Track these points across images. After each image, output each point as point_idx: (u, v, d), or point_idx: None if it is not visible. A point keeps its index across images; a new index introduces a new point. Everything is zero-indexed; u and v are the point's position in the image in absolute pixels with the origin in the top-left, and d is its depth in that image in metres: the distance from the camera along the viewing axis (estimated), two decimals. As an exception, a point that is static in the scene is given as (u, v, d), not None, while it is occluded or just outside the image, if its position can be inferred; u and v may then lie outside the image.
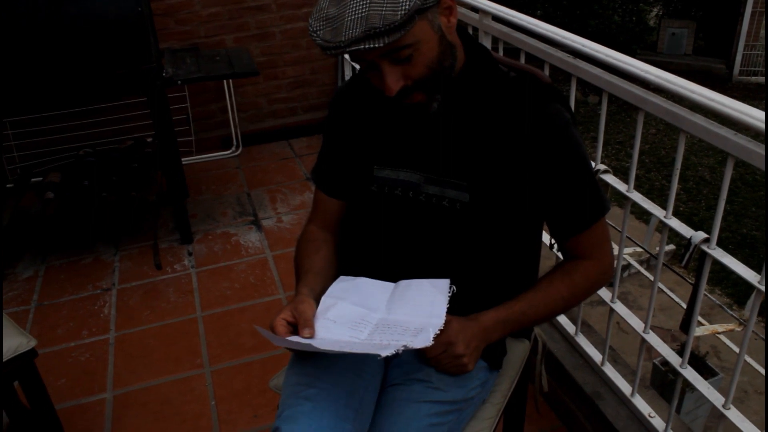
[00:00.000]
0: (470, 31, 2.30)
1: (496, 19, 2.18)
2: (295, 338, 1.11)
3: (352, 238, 1.41)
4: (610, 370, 1.96)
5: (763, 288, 1.37)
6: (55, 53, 2.57)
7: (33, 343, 1.71)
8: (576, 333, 2.09)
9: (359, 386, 1.21)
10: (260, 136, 4.18)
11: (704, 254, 1.50)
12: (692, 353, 1.58)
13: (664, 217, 1.61)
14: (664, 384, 4.69)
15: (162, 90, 2.80)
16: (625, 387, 1.90)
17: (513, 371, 1.45)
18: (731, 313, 5.52)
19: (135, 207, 3.03)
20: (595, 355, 2.01)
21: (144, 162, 3.22)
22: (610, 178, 1.81)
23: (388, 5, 1.01)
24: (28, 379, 1.77)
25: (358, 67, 3.17)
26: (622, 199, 1.76)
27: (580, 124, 1.14)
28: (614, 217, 2.40)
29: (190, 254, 3.07)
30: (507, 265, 1.34)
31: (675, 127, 1.49)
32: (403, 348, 1.03)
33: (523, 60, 1.97)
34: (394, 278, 1.28)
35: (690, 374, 1.65)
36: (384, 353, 1.01)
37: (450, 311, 1.16)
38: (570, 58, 1.81)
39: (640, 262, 6.30)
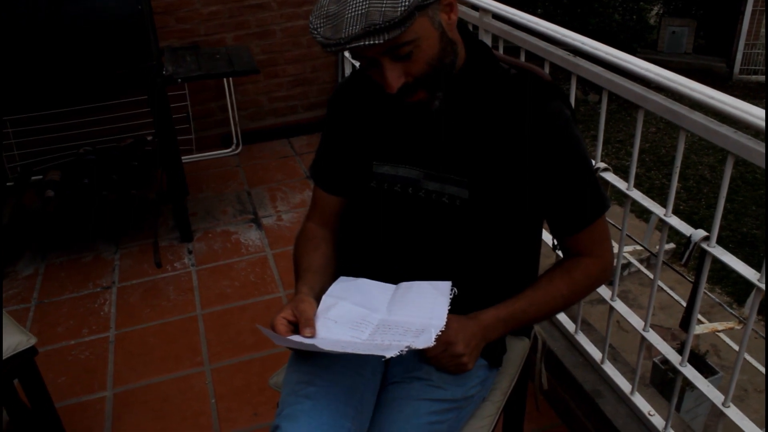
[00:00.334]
0: (470, 29, 2.30)
1: (497, 17, 2.18)
2: (297, 338, 1.11)
3: (351, 235, 1.41)
4: (609, 369, 1.96)
5: (762, 286, 1.37)
6: (55, 51, 2.57)
7: (33, 341, 1.71)
8: (576, 331, 2.09)
9: (359, 384, 1.21)
10: (260, 135, 4.18)
11: (704, 252, 1.50)
12: (692, 352, 1.59)
13: (664, 215, 1.61)
14: (663, 382, 4.69)
15: (162, 88, 2.80)
16: (624, 385, 1.90)
17: (513, 369, 1.45)
18: (731, 311, 5.51)
19: (135, 205, 3.03)
20: (595, 354, 2.01)
21: (144, 160, 3.22)
22: (610, 176, 1.81)
23: (388, 2, 1.01)
24: (28, 377, 1.77)
25: (358, 65, 3.16)
26: (622, 197, 1.76)
27: (581, 123, 1.15)
28: (614, 215, 2.40)
29: (190, 252, 3.07)
30: (507, 262, 1.34)
31: (675, 126, 1.49)
32: (406, 349, 1.02)
33: (523, 58, 1.97)
34: (393, 275, 1.28)
35: (690, 372, 1.65)
36: (388, 354, 1.01)
37: (450, 308, 1.16)
38: (570, 56, 1.81)
39: (640, 261, 6.30)
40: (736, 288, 6.97)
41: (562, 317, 2.17)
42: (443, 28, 1.12)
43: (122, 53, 2.65)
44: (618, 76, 1.66)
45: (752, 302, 1.43)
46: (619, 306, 1.87)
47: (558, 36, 1.85)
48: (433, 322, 1.12)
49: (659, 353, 1.73)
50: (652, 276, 1.85)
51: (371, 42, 1.02)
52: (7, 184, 3.34)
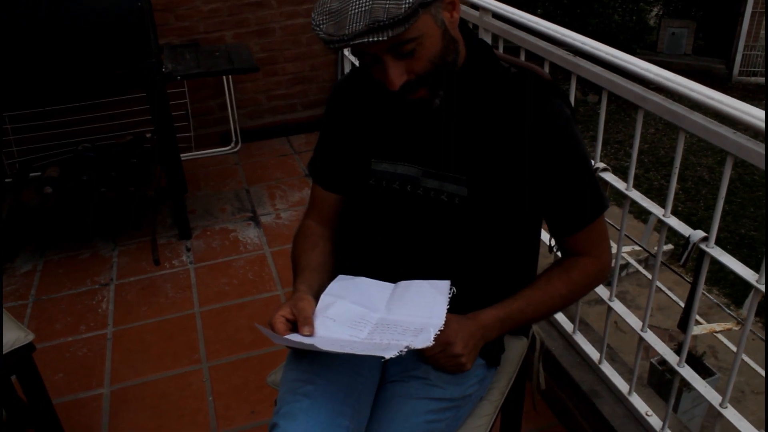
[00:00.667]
0: (470, 27, 2.30)
1: (497, 16, 2.18)
2: (295, 337, 1.11)
3: (349, 233, 1.41)
4: (607, 369, 1.96)
5: (761, 287, 1.38)
6: (55, 49, 2.57)
7: (31, 337, 1.71)
8: (574, 331, 2.10)
9: (357, 383, 1.21)
10: (259, 133, 4.18)
11: (703, 253, 1.50)
12: (689, 353, 1.59)
13: (663, 215, 1.61)
14: (661, 383, 4.69)
15: (161, 85, 2.79)
16: (622, 385, 1.90)
17: (511, 369, 1.45)
18: (729, 312, 5.52)
19: (134, 202, 3.03)
20: (593, 354, 2.02)
21: (143, 157, 3.22)
22: (609, 176, 1.81)
23: None
24: (26, 373, 1.76)
25: (357, 63, 3.15)
26: (620, 197, 1.76)
27: (580, 123, 1.14)
28: (613, 215, 2.41)
29: (188, 250, 3.07)
30: (505, 261, 1.34)
31: (674, 127, 1.49)
32: (405, 349, 1.02)
33: (523, 57, 1.97)
34: (391, 273, 1.28)
35: (687, 373, 1.65)
36: (387, 355, 1.01)
37: (449, 307, 1.15)
38: (570, 56, 1.81)
39: (639, 261, 6.30)
40: (734, 289, 6.97)
41: (560, 317, 2.17)
42: (446, 26, 1.12)
43: (122, 51, 2.65)
44: (618, 77, 1.67)
45: (750, 303, 1.43)
46: (618, 306, 1.87)
47: (558, 36, 1.85)
48: (432, 322, 1.12)
49: (657, 354, 1.73)
50: (650, 276, 1.85)
51: (375, 39, 1.02)
52: (6, 180, 3.34)
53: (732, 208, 8.50)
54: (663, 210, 1.61)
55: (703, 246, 1.49)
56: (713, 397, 1.58)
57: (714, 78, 13.15)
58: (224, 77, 3.94)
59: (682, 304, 1.67)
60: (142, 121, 3.59)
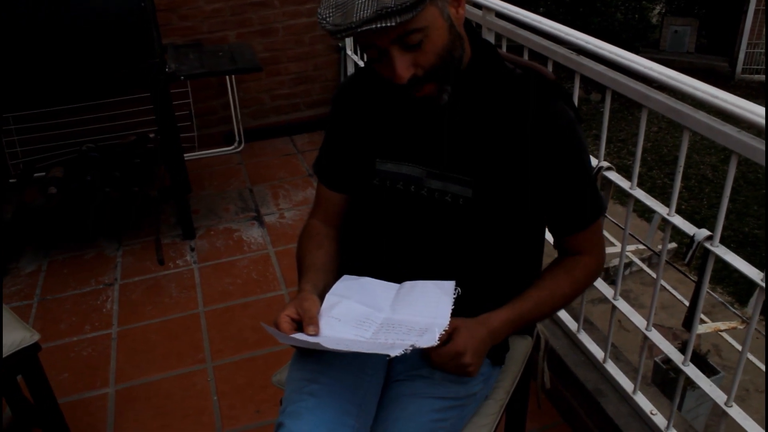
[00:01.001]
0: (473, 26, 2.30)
1: (500, 15, 2.18)
2: (301, 336, 1.11)
3: (354, 233, 1.41)
4: (612, 367, 1.96)
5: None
6: (58, 49, 2.57)
7: (36, 337, 1.72)
8: (578, 330, 2.10)
9: (362, 382, 1.21)
10: (263, 132, 4.18)
11: (707, 252, 1.50)
12: (694, 351, 1.59)
13: (667, 214, 1.61)
14: (665, 381, 4.68)
15: (165, 85, 2.80)
16: (626, 384, 1.90)
17: (515, 368, 1.45)
18: (734, 311, 5.51)
19: (137, 202, 3.03)
20: (597, 353, 2.02)
21: (147, 157, 3.23)
22: (613, 175, 1.81)
23: None
24: (32, 373, 1.77)
25: (361, 63, 3.16)
26: (624, 196, 1.76)
27: (583, 122, 1.14)
28: (616, 214, 2.41)
29: (192, 250, 3.07)
30: (510, 261, 1.35)
31: (677, 125, 1.49)
32: (410, 348, 1.02)
33: (526, 57, 1.97)
34: (396, 273, 1.28)
35: (692, 372, 1.65)
36: (392, 353, 1.01)
37: (454, 307, 1.16)
38: (574, 55, 1.81)
39: (642, 260, 6.30)
40: (737, 288, 6.96)
41: (564, 316, 2.17)
42: (452, 21, 1.12)
43: (125, 51, 2.65)
44: (621, 75, 1.66)
45: (755, 302, 1.43)
46: (622, 305, 1.87)
47: (561, 35, 1.85)
48: (436, 321, 1.12)
49: (661, 352, 1.73)
50: (653, 275, 1.85)
51: (383, 25, 1.02)
52: (10, 180, 3.34)
53: (736, 207, 8.48)
54: (667, 209, 1.61)
55: (707, 245, 1.49)
56: (718, 396, 1.58)
57: (717, 76, 13.11)
58: (227, 77, 3.94)
59: (687, 303, 1.67)
60: (145, 121, 3.60)
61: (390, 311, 1.19)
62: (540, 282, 1.29)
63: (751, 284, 1.42)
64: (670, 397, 1.81)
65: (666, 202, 1.62)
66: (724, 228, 1.50)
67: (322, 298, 1.21)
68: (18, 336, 1.68)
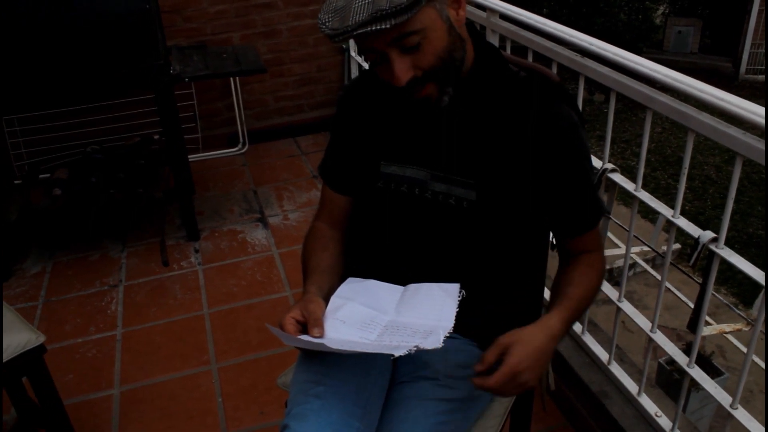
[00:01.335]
0: (477, 29, 2.30)
1: (504, 17, 2.18)
2: (305, 337, 1.11)
3: (358, 235, 1.42)
4: (616, 369, 1.96)
5: (770, 287, 1.37)
6: (62, 50, 2.58)
7: (42, 339, 1.72)
8: (582, 332, 2.10)
9: (367, 384, 1.21)
10: (267, 134, 4.19)
11: (712, 254, 1.50)
12: (698, 353, 1.58)
13: (672, 216, 1.61)
14: (669, 382, 4.68)
15: (169, 87, 2.81)
16: (631, 386, 1.90)
17: (520, 369, 1.45)
18: (739, 312, 5.50)
19: (142, 204, 3.04)
20: (602, 354, 2.02)
21: (151, 159, 3.23)
22: (618, 177, 1.81)
23: None
24: (37, 374, 1.78)
25: (365, 65, 3.16)
26: (628, 197, 1.76)
27: (587, 123, 1.14)
28: (620, 215, 2.41)
29: (196, 251, 3.08)
30: (514, 264, 1.35)
31: (681, 126, 1.49)
32: (414, 348, 1.03)
33: (530, 58, 1.97)
34: (400, 276, 1.28)
35: (697, 374, 1.65)
36: (397, 353, 1.01)
37: (458, 310, 1.16)
38: (578, 57, 1.81)
39: (646, 261, 6.30)
40: (742, 289, 6.96)
41: (568, 317, 2.17)
42: (451, 23, 1.12)
43: (130, 52, 2.66)
44: (626, 77, 1.66)
45: (761, 304, 1.43)
46: (626, 307, 1.87)
47: (566, 36, 1.85)
48: (441, 324, 1.12)
49: (665, 354, 1.73)
50: (658, 276, 1.85)
51: (378, 27, 1.02)
52: (15, 182, 3.36)
53: (740, 207, 8.47)
54: (672, 211, 1.61)
55: (712, 247, 1.49)
56: (723, 398, 1.58)
57: (721, 76, 13.10)
58: (231, 78, 3.95)
59: (691, 304, 1.67)
60: (149, 122, 3.60)
61: (395, 314, 1.19)
62: (572, 280, 1.26)
63: (756, 285, 1.42)
64: (674, 399, 1.81)
65: (670, 203, 1.62)
66: (729, 228, 1.49)
67: (327, 300, 1.21)
68: (23, 338, 1.69)
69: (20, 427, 1.96)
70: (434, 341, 1.07)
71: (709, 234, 1.51)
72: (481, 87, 1.21)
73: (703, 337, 5.44)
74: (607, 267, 1.35)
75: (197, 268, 2.95)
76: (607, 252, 1.45)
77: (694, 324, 1.63)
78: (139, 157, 3.22)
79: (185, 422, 2.16)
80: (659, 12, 14.40)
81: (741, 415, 1.53)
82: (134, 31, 2.63)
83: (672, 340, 1.77)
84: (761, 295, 1.41)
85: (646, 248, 6.00)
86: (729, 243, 1.49)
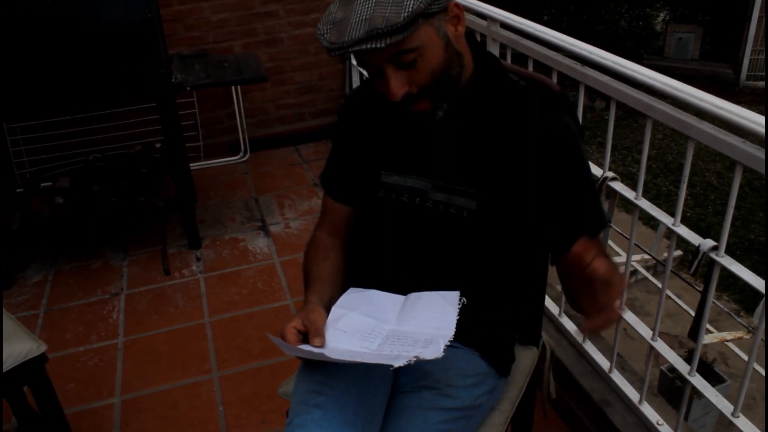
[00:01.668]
0: (478, 38, 2.31)
1: (504, 26, 2.19)
2: (306, 347, 1.12)
3: (360, 245, 1.42)
4: (618, 377, 1.96)
5: (771, 296, 1.37)
6: (64, 59, 2.59)
7: (43, 348, 1.72)
8: (584, 340, 2.09)
9: (368, 393, 1.21)
10: (268, 142, 4.20)
11: (713, 262, 1.50)
12: (700, 360, 1.58)
13: (672, 224, 1.61)
14: (671, 390, 4.67)
15: (171, 96, 2.81)
16: (633, 394, 1.89)
17: (521, 378, 1.45)
18: (739, 320, 5.49)
19: (143, 212, 3.04)
20: (603, 362, 2.01)
21: (153, 167, 3.24)
22: (618, 185, 1.81)
23: (392, 8, 1.02)
24: (38, 383, 1.78)
25: (366, 74, 3.17)
26: (630, 205, 1.76)
27: (588, 130, 1.15)
28: (621, 223, 2.41)
29: (198, 259, 3.08)
30: (515, 273, 1.35)
31: (682, 133, 1.50)
32: (414, 359, 1.03)
33: (530, 67, 1.98)
34: (401, 285, 1.29)
35: (698, 382, 1.65)
36: (396, 364, 1.01)
37: (458, 318, 1.16)
38: (578, 66, 1.82)
39: (647, 268, 6.28)
40: (744, 296, 6.93)
41: (569, 326, 2.17)
42: (449, 39, 1.12)
43: (132, 61, 2.67)
44: (626, 86, 1.67)
45: (761, 312, 1.43)
46: (627, 315, 1.87)
47: (566, 45, 1.86)
48: (441, 333, 1.12)
49: (667, 361, 1.73)
50: (659, 284, 1.85)
51: (373, 46, 1.03)
52: (17, 190, 3.36)
53: (741, 214, 8.45)
54: (672, 219, 1.61)
55: (713, 255, 1.49)
56: (725, 406, 1.58)
57: (721, 83, 13.10)
58: (233, 87, 3.96)
59: (692, 312, 1.67)
60: (151, 131, 3.61)
61: (396, 323, 1.20)
62: (604, 267, 1.14)
63: (757, 292, 1.42)
64: (676, 407, 1.81)
65: (671, 210, 1.62)
66: (730, 235, 1.49)
67: (328, 310, 1.21)
68: (25, 347, 1.69)
69: (22, 436, 1.96)
70: (435, 350, 1.07)
71: (710, 242, 1.51)
72: (480, 97, 1.22)
73: (705, 345, 5.43)
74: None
75: (198, 277, 2.96)
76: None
77: (695, 332, 1.63)
78: (141, 166, 3.23)
79: (186, 431, 2.16)
80: (660, 19, 14.43)
81: (742, 423, 1.53)
82: (136, 40, 2.64)
83: (674, 348, 1.77)
84: (762, 303, 1.41)
85: (647, 256, 6.00)
86: (730, 249, 1.49)
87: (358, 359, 1.06)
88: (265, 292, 2.83)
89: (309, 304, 1.21)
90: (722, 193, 9.12)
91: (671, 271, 1.71)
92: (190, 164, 3.26)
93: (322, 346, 1.12)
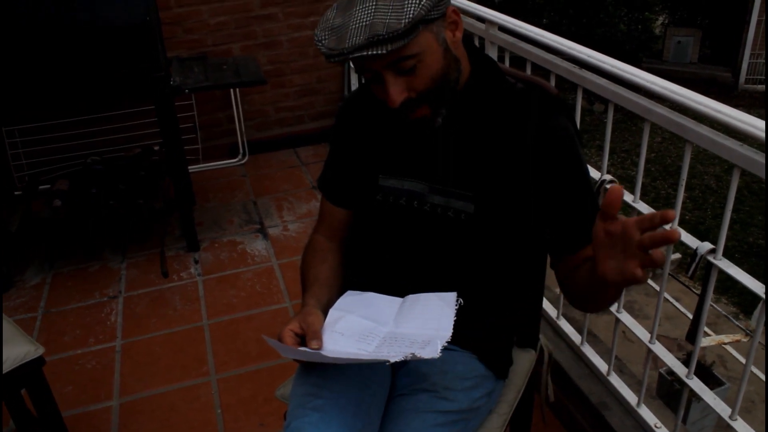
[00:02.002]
0: (476, 41, 2.32)
1: (503, 29, 2.19)
2: (303, 349, 1.12)
3: (358, 248, 1.42)
4: (616, 380, 1.95)
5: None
6: (64, 62, 2.59)
7: (41, 351, 1.72)
8: (582, 343, 2.09)
9: (366, 396, 1.21)
10: (267, 145, 4.20)
11: (711, 265, 1.50)
12: (698, 362, 1.58)
13: (670, 227, 1.61)
14: (670, 393, 4.66)
15: (170, 99, 2.82)
16: (631, 397, 1.89)
17: (519, 381, 1.45)
18: (737, 323, 5.49)
19: (142, 215, 3.04)
20: (601, 365, 2.01)
21: (151, 170, 3.24)
22: (616, 189, 1.81)
23: (392, 14, 1.02)
24: (36, 386, 1.77)
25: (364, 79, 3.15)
26: (628, 209, 1.76)
27: (586, 133, 1.14)
28: (620, 226, 2.40)
29: (196, 262, 3.08)
30: (513, 276, 1.35)
31: (681, 137, 1.50)
32: (411, 355, 1.03)
33: (529, 70, 1.98)
34: (399, 288, 1.29)
35: (696, 385, 1.65)
36: (392, 359, 1.02)
37: (456, 321, 1.16)
38: (576, 69, 1.82)
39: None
40: (742, 298, 6.93)
41: (567, 328, 2.17)
42: (447, 45, 1.13)
43: (130, 64, 2.67)
44: (624, 89, 1.67)
45: (759, 315, 1.43)
46: (625, 318, 1.87)
47: (564, 48, 1.86)
48: (439, 334, 1.12)
49: (665, 364, 1.73)
50: (657, 287, 1.85)
51: (374, 52, 1.03)
52: (16, 193, 3.36)
53: (740, 217, 8.46)
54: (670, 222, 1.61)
55: (711, 258, 1.50)
56: (723, 409, 1.57)
57: (720, 86, 13.11)
58: (232, 89, 3.96)
59: (690, 315, 1.67)
60: (150, 133, 3.61)
61: (393, 325, 1.20)
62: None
63: (755, 295, 1.42)
64: (674, 410, 1.81)
65: (670, 215, 1.62)
66: (729, 238, 1.50)
67: (325, 313, 1.21)
68: (22, 350, 1.69)
69: (19, 439, 1.96)
70: (432, 351, 1.07)
71: (707, 245, 1.51)
72: (478, 100, 1.22)
73: (704, 348, 5.43)
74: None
75: (197, 279, 2.95)
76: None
77: (693, 335, 1.63)
78: (140, 168, 3.23)
79: (184, 434, 2.16)
80: (659, 22, 14.43)
81: (740, 426, 1.53)
82: (135, 42, 2.64)
83: (672, 351, 1.77)
84: (759, 306, 1.41)
85: (646, 258, 5.98)
86: (729, 252, 1.49)
87: (354, 357, 1.07)
88: (263, 294, 2.83)
89: (306, 307, 1.21)
90: (721, 196, 9.12)
91: (669, 274, 1.71)
92: (189, 167, 3.27)
93: (319, 348, 1.12)
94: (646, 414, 1.84)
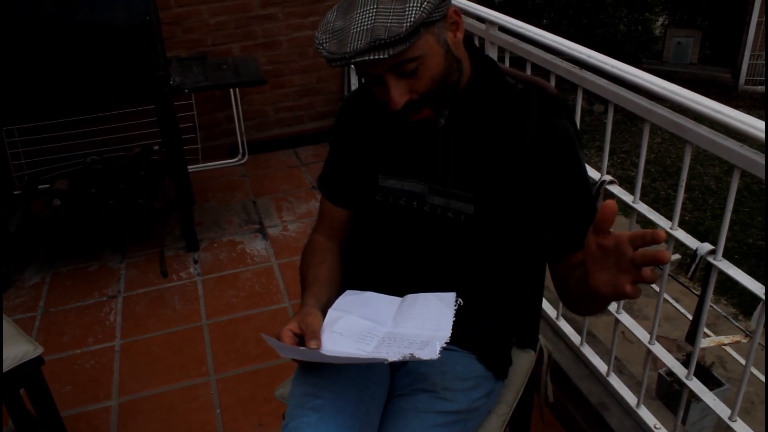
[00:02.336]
0: (477, 41, 2.31)
1: (503, 29, 2.19)
2: (302, 348, 1.11)
3: (357, 248, 1.42)
4: (615, 381, 1.95)
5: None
6: (62, 61, 2.59)
7: (39, 350, 1.72)
8: (581, 343, 2.09)
9: (365, 397, 1.21)
10: (266, 145, 4.20)
11: (710, 265, 1.50)
12: (698, 363, 1.58)
13: (670, 228, 1.61)
14: (669, 393, 4.66)
15: (169, 98, 2.81)
16: (630, 398, 1.89)
17: (519, 382, 1.45)
18: (737, 324, 5.49)
19: (142, 214, 3.04)
20: (601, 366, 2.01)
21: (151, 170, 3.24)
22: (616, 189, 1.81)
23: (394, 18, 1.01)
24: (35, 386, 1.77)
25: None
26: (627, 209, 1.76)
27: (586, 133, 1.14)
28: (620, 226, 2.40)
29: (195, 262, 3.08)
30: (512, 277, 1.34)
31: (681, 137, 1.50)
32: (409, 355, 1.03)
33: (529, 71, 1.98)
34: (399, 288, 1.28)
35: (696, 386, 1.65)
36: (390, 359, 1.02)
37: (455, 321, 1.15)
38: (576, 69, 1.82)
39: (645, 271, 6.27)
40: (742, 299, 6.92)
41: (567, 329, 2.17)
42: (448, 46, 1.12)
43: (130, 64, 2.67)
44: (624, 89, 1.67)
45: (758, 316, 1.43)
46: (625, 318, 1.87)
47: (564, 49, 1.86)
48: (438, 335, 1.12)
49: (665, 364, 1.73)
50: (656, 288, 1.85)
51: (376, 57, 1.03)
52: (15, 192, 3.36)
53: (740, 218, 8.45)
54: (670, 222, 1.61)
55: (710, 259, 1.49)
56: (722, 409, 1.57)
57: (720, 87, 13.12)
58: (231, 89, 3.96)
59: (690, 316, 1.67)
60: (149, 133, 3.61)
61: (392, 325, 1.19)
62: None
63: (755, 296, 1.42)
64: (674, 410, 1.81)
65: (669, 214, 1.62)
66: (728, 239, 1.50)
67: (324, 313, 1.21)
68: (21, 350, 1.68)
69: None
70: (431, 352, 1.07)
71: (707, 246, 1.51)
72: (478, 101, 1.21)
73: (703, 348, 5.43)
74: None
75: (196, 279, 2.95)
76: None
77: (692, 336, 1.63)
78: (139, 168, 3.23)
79: (183, 434, 2.16)
80: (659, 23, 14.44)
81: (740, 427, 1.53)
82: (134, 42, 2.64)
83: (672, 351, 1.77)
84: (759, 307, 1.41)
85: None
86: (728, 253, 1.49)
87: (353, 357, 1.06)
88: (262, 294, 2.83)
89: (305, 307, 1.21)
90: (721, 197, 9.11)
91: (669, 274, 1.71)
92: (189, 167, 3.26)
93: (318, 348, 1.12)
94: (646, 415, 1.84)
